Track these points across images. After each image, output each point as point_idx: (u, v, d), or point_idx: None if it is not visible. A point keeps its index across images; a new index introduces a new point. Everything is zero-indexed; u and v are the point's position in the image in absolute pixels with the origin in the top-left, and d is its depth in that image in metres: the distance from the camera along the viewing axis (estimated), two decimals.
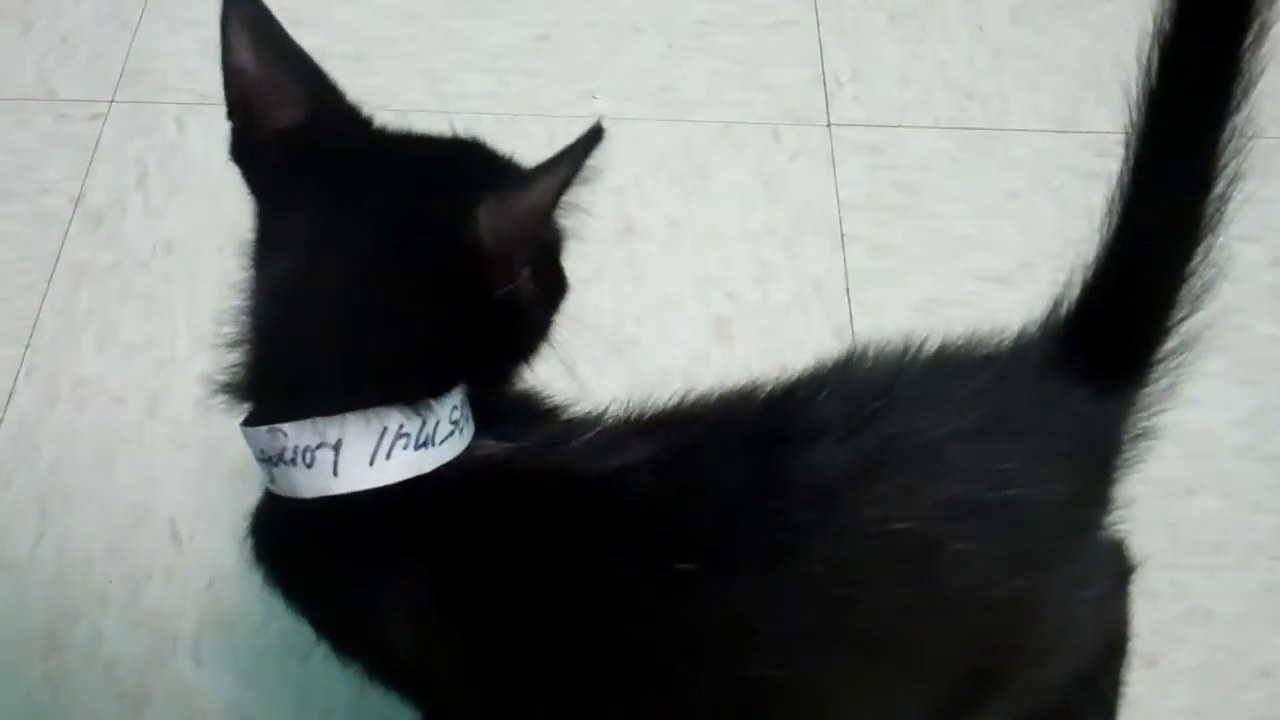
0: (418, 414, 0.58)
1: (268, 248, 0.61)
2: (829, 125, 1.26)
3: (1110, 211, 0.62)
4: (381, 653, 0.63)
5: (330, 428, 0.57)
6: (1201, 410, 1.03)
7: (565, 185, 0.54)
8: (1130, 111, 0.59)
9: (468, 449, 0.61)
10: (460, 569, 0.59)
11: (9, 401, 1.06)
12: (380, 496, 0.58)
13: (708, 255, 1.16)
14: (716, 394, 0.63)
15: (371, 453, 0.57)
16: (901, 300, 1.13)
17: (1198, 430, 1.03)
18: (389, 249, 0.58)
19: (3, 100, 1.26)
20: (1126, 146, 0.60)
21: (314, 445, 0.57)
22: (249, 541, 0.65)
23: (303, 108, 0.61)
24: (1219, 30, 0.55)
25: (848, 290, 1.13)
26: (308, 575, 0.63)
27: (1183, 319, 0.63)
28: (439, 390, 0.59)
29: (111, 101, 1.26)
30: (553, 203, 0.55)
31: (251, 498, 0.66)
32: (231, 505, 1.01)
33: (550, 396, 0.67)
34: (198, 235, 1.16)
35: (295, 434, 0.58)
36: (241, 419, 0.62)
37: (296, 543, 0.62)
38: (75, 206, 1.18)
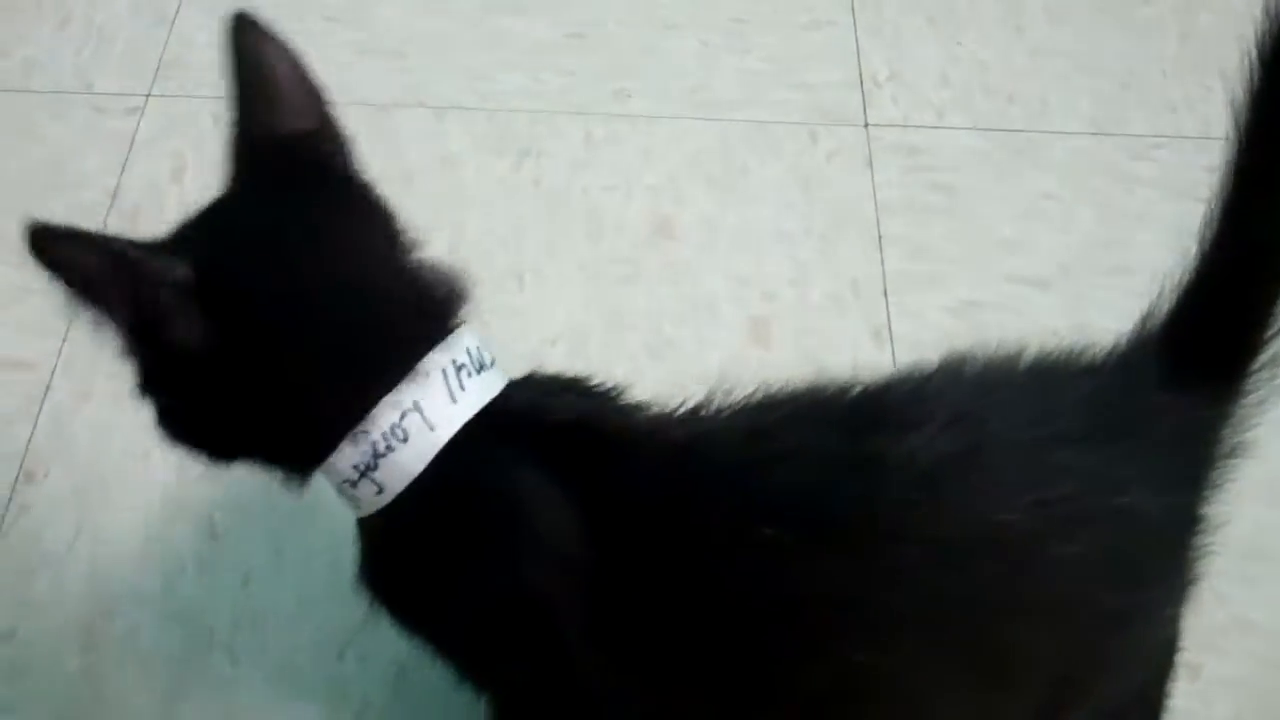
0: (458, 338, 0.61)
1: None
2: (866, 126, 1.25)
3: (1210, 217, 0.60)
4: (503, 619, 0.63)
5: (400, 395, 0.59)
6: None
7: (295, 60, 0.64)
8: (1233, 116, 0.58)
9: (554, 404, 0.63)
10: (585, 507, 0.60)
11: (46, 395, 1.06)
12: (478, 453, 0.60)
13: (744, 256, 1.15)
14: (805, 385, 0.63)
15: (448, 392, 0.60)
16: (940, 302, 1.12)
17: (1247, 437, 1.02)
18: (313, 200, 0.63)
19: (40, 93, 1.26)
20: (1228, 151, 0.59)
21: (398, 419, 0.59)
22: (364, 585, 0.66)
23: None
24: None
25: (885, 292, 1.13)
26: (428, 563, 0.63)
27: None
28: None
29: (148, 95, 1.26)
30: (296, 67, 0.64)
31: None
32: (267, 500, 1.02)
33: (601, 381, 0.67)
34: None
35: (376, 422, 0.59)
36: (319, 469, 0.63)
37: (415, 537, 0.63)
38: (112, 200, 1.18)
